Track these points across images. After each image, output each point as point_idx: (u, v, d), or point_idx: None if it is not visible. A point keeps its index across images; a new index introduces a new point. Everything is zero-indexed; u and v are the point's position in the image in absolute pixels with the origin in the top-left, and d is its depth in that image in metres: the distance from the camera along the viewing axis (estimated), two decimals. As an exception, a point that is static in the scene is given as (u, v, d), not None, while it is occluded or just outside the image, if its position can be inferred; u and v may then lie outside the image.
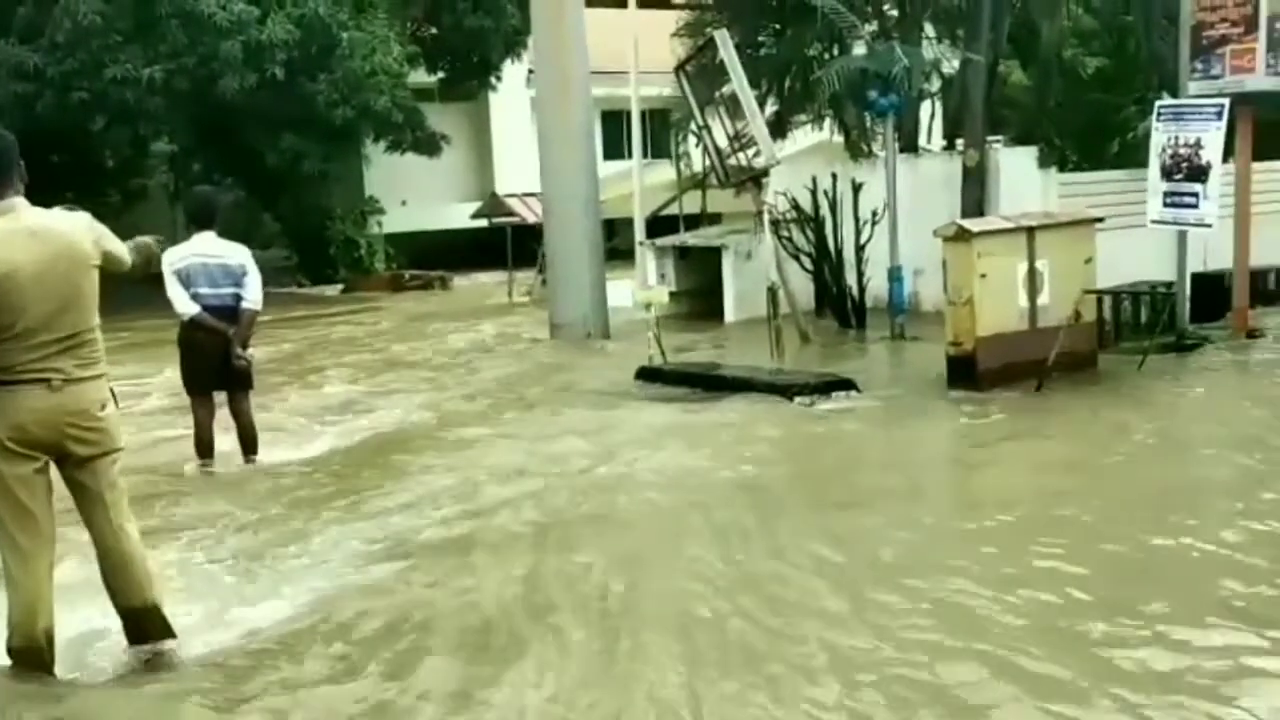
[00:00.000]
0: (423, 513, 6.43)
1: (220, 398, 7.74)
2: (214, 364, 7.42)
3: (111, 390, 4.42)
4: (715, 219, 18.42)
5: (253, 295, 7.45)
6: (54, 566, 4.29)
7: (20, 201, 4.22)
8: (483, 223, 21.51)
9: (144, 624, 4.49)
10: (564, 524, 6.10)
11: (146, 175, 30.22)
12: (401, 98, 22.17)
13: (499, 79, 26.72)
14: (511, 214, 19.60)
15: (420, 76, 26.15)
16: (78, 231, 4.26)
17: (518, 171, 25.03)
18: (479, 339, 14.52)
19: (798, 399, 9.09)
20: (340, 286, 24.22)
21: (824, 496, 6.51)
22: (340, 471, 7.62)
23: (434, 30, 25.55)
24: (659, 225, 17.93)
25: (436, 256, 25.45)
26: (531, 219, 17.75)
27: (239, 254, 7.46)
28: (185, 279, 7.37)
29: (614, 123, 24.47)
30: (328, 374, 12.20)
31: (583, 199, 13.63)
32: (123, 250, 4.52)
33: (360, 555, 5.72)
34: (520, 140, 26.10)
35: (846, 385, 9.43)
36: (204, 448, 7.72)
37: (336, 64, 20.52)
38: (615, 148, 24.96)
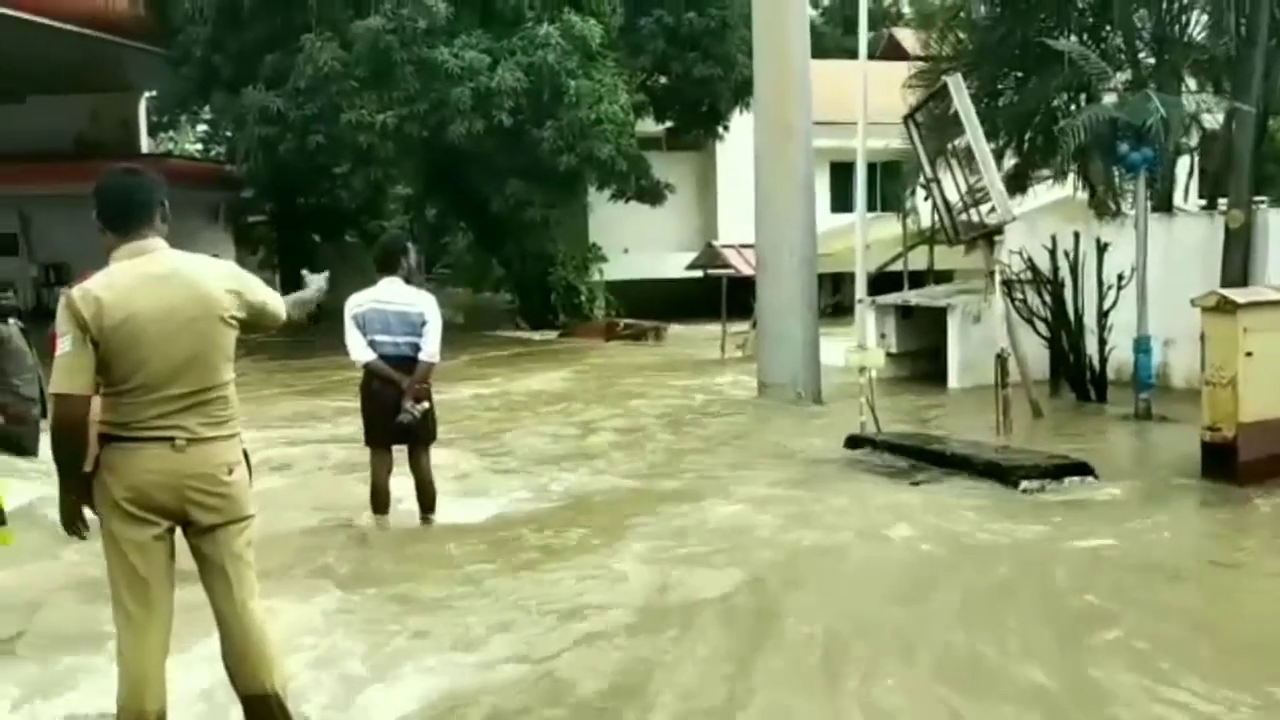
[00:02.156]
0: (605, 589, 5.86)
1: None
2: (390, 415, 7.07)
3: (245, 453, 4.00)
4: (946, 277, 17.38)
5: (429, 347, 7.08)
6: (168, 643, 3.87)
7: (157, 244, 3.85)
8: (700, 273, 21.06)
9: (262, 714, 4.02)
10: (761, 599, 5.40)
11: (385, 217, 31.38)
12: (627, 146, 22.05)
13: (726, 128, 26.41)
14: (727, 265, 19.05)
15: (648, 125, 26.15)
16: (213, 280, 3.85)
17: (741, 222, 24.42)
18: (683, 395, 13.95)
19: (1024, 484, 8.10)
20: (556, 332, 24.21)
21: (1057, 612, 5.51)
22: (519, 536, 7.13)
23: (663, 79, 25.44)
24: (886, 282, 17.06)
25: (657, 305, 25.20)
26: (747, 271, 17.16)
27: (422, 303, 7.12)
28: (362, 325, 7.08)
29: (843, 175, 23.77)
30: (522, 425, 11.88)
31: (798, 253, 12.94)
32: (277, 303, 4.09)
33: (524, 640, 5.17)
34: (745, 191, 25.39)
35: (1081, 470, 8.38)
36: (379, 502, 7.38)
37: (563, 112, 20.56)
38: (844, 200, 24.24)
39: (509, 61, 20.00)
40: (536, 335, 23.92)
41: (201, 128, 43.11)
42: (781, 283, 13.01)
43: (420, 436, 7.28)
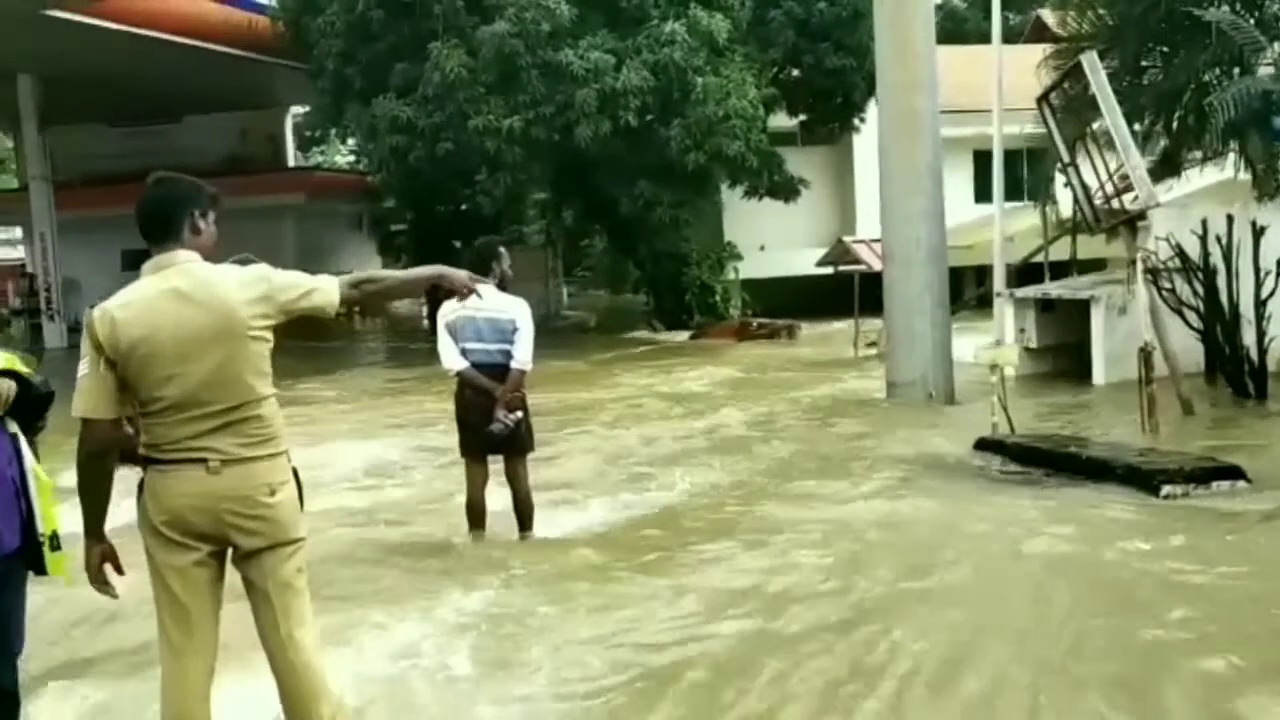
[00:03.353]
0: (713, 614, 5.50)
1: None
2: (484, 424, 6.86)
3: (295, 473, 3.77)
4: (1094, 267, 16.49)
5: (521, 355, 6.82)
6: (212, 672, 3.67)
7: (183, 255, 3.63)
8: (830, 269, 20.50)
9: (312, 750, 3.80)
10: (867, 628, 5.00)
11: (524, 222, 31.57)
12: (757, 142, 21.62)
13: (862, 120, 25.71)
14: (858, 261, 18.46)
15: (781, 120, 25.66)
16: (235, 293, 3.60)
17: (879, 217, 23.92)
18: (811, 396, 13.49)
19: (1165, 489, 7.46)
20: (688, 333, 23.93)
21: (1195, 659, 4.89)
22: (623, 548, 6.85)
23: (795, 72, 24.92)
24: (1032, 274, 16.26)
25: (793, 303, 24.71)
26: (878, 266, 16.58)
27: (514, 309, 6.87)
28: (454, 333, 6.89)
29: (985, 163, 22.84)
30: (642, 429, 11.61)
31: (925, 245, 12.35)
32: (324, 293, 3.75)
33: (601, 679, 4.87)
34: (881, 184, 24.98)
35: (1232, 474, 7.68)
36: (474, 516, 7.18)
37: (690, 109, 20.26)
38: (986, 190, 23.25)
39: (634, 61, 19.78)
40: (669, 336, 23.65)
41: (352, 141, 44.31)
42: (910, 277, 12.45)
43: (516, 447, 7.05)
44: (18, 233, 37.59)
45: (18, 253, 38.80)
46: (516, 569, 6.40)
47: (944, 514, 7.42)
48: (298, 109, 37.63)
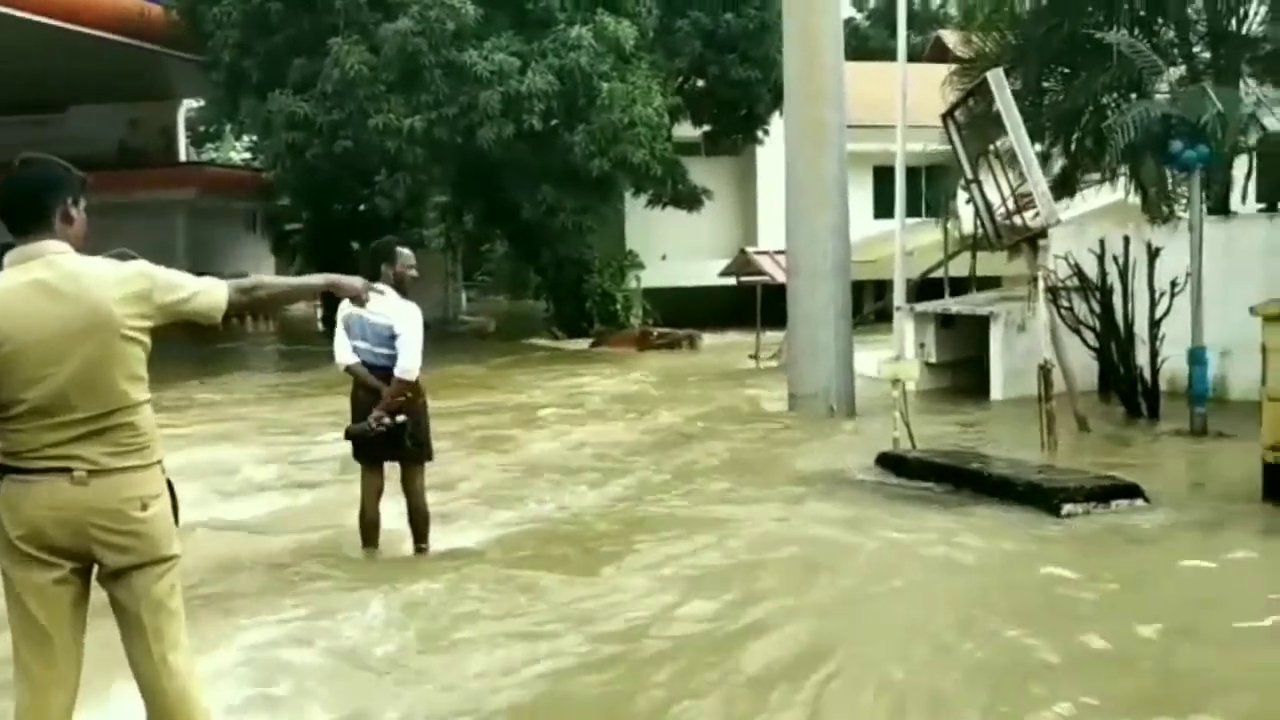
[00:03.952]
0: (591, 630, 5.31)
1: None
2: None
3: (170, 485, 3.47)
4: (992, 284, 16.70)
5: (404, 362, 6.50)
6: (73, 704, 3.34)
7: (53, 246, 3.29)
8: (733, 280, 20.50)
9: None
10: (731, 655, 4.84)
11: (424, 225, 31.04)
12: (662, 150, 21.54)
13: (766, 132, 25.83)
14: (760, 272, 18.46)
15: (686, 130, 25.65)
16: (111, 289, 3.28)
17: (782, 229, 23.98)
18: (710, 407, 13.36)
19: (1066, 508, 7.46)
20: (589, 341, 23.74)
21: (1093, 670, 4.89)
22: (506, 566, 6.61)
23: (701, 82, 24.92)
24: (931, 290, 16.39)
25: (694, 313, 24.67)
26: (781, 278, 16.60)
27: (400, 314, 6.55)
28: (347, 329, 6.61)
29: (887, 179, 23.08)
30: (540, 440, 11.37)
31: (831, 258, 12.33)
32: (209, 296, 3.45)
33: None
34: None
35: (1131, 492, 7.73)
36: (365, 529, 6.86)
37: (595, 115, 20.09)
38: (887, 205, 23.51)
39: (540, 64, 19.57)
40: (569, 344, 23.43)
41: (248, 137, 43.21)
42: (814, 290, 12.41)
43: (409, 455, 6.77)
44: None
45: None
46: (397, 584, 6.13)
47: (842, 530, 7.34)
48: (192, 102, 36.59)
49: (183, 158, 37.78)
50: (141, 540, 3.35)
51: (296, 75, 20.17)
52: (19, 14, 23.13)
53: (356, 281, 3.81)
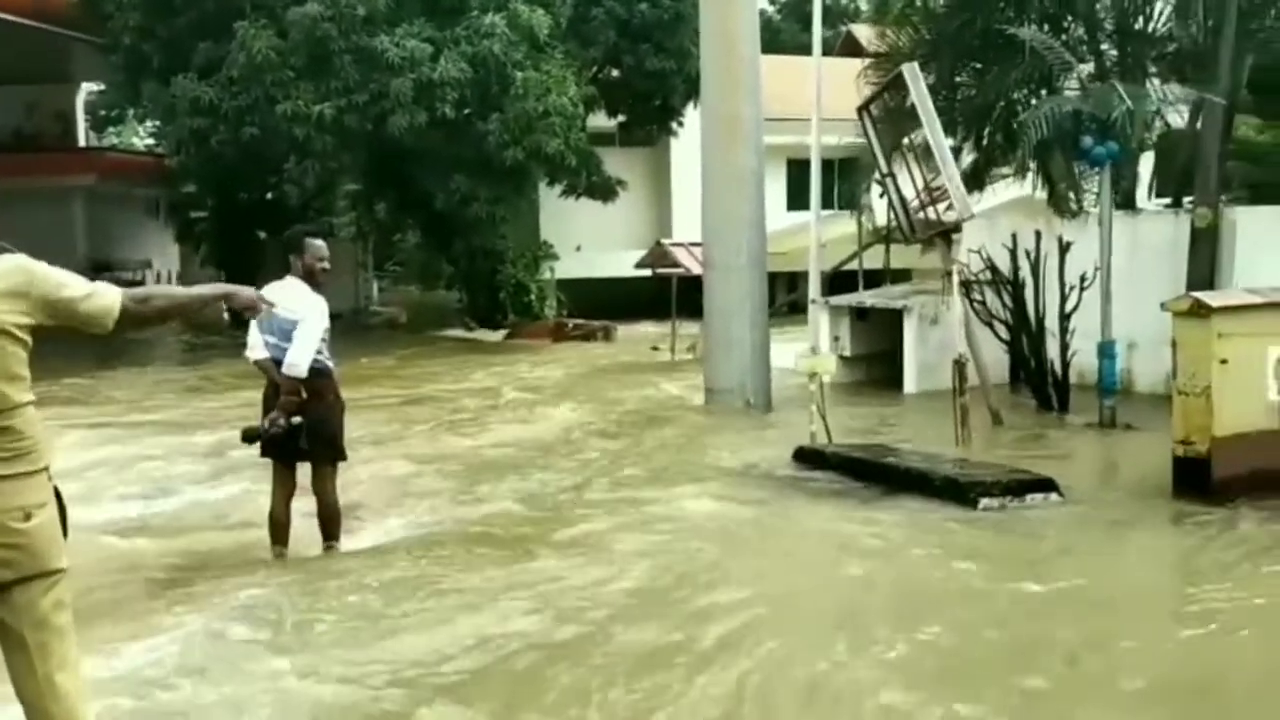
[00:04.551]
0: (508, 625, 5.16)
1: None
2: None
3: (58, 491, 3.25)
4: (904, 276, 16.80)
5: (291, 356, 6.24)
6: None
7: None
8: (649, 272, 20.38)
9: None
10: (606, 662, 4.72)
11: (334, 214, 30.45)
12: (577, 140, 21.35)
13: (680, 124, 25.75)
14: (676, 264, 18.37)
15: (600, 120, 25.48)
16: None
17: (696, 220, 23.90)
18: (624, 400, 13.26)
19: (983, 502, 7.49)
20: (504, 332, 23.50)
21: (999, 667, 4.87)
22: (417, 562, 6.43)
23: (615, 72, 24.76)
24: (845, 282, 16.43)
25: (611, 304, 24.54)
26: (696, 270, 16.55)
27: (303, 307, 6.30)
28: (259, 325, 6.36)
29: (800, 172, 23.14)
30: (454, 433, 11.17)
31: (746, 251, 12.27)
32: (101, 299, 3.22)
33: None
34: (700, 188, 25.06)
35: (1045, 486, 7.78)
36: (274, 528, 6.65)
37: (509, 104, 19.83)
38: (801, 198, 23.57)
39: (453, 52, 19.24)
40: (482, 335, 23.15)
41: (151, 122, 42.00)
42: (729, 283, 12.35)
43: (317, 455, 6.55)
44: None
45: None
46: (306, 583, 5.93)
47: (757, 525, 7.29)
48: (92, 86, 35.49)
49: (82, 143, 36.65)
50: (23, 553, 3.15)
51: (201, 59, 19.59)
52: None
53: (249, 292, 3.63)
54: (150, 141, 44.21)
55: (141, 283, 35.85)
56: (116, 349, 18.73)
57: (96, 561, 6.19)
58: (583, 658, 4.88)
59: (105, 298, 3.24)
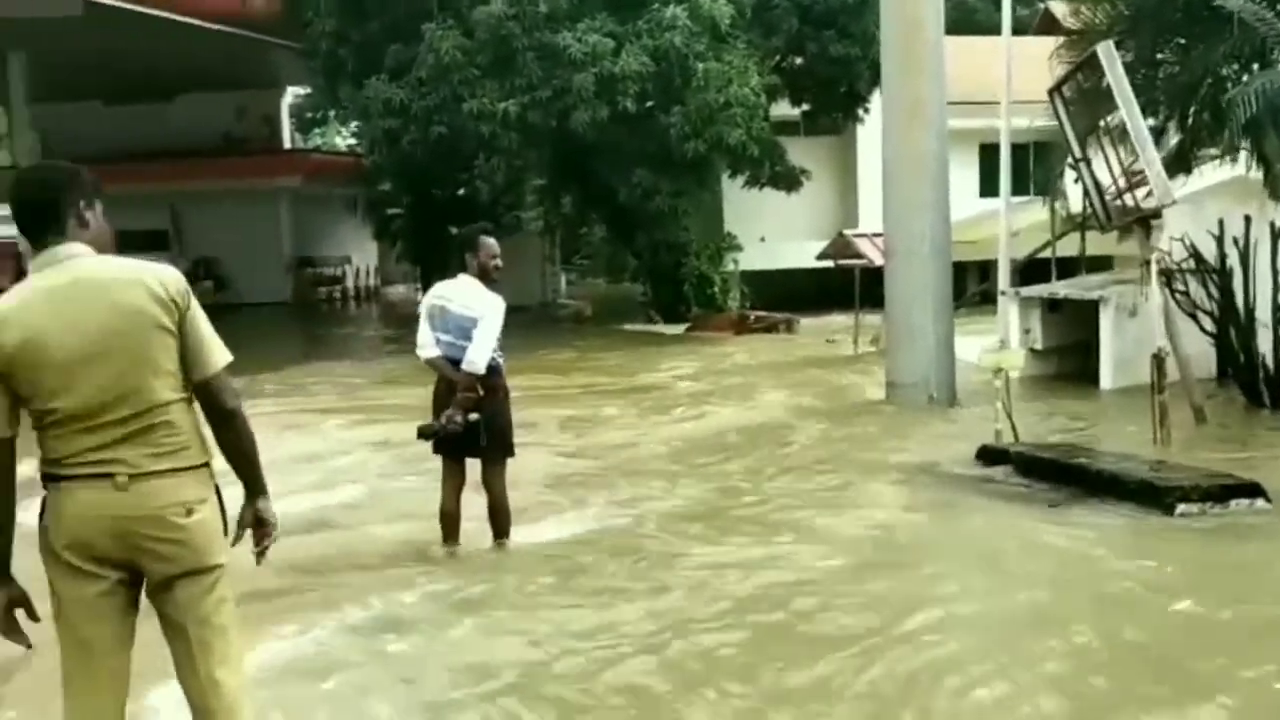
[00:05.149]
0: (695, 621, 5.11)
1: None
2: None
3: (217, 489, 3.31)
4: (1102, 265, 16.00)
5: (471, 354, 6.31)
6: (123, 716, 3.23)
7: (72, 250, 3.16)
8: (830, 263, 20.01)
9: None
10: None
11: (522, 209, 31.05)
12: (759, 130, 21.13)
13: (866, 110, 25.16)
14: (859, 255, 17.94)
15: (784, 109, 25.16)
16: (138, 285, 3.14)
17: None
18: (804, 394, 13.01)
19: (1180, 508, 7.01)
20: (686, 325, 23.46)
21: (1179, 687, 4.52)
22: (581, 567, 6.41)
23: (799, 60, 24.39)
24: (1037, 271, 15.77)
25: (795, 296, 24.21)
26: (879, 261, 16.15)
27: (481, 305, 6.38)
28: (432, 322, 6.47)
29: (992, 157, 22.39)
30: (635, 428, 11.16)
31: (930, 240, 11.86)
32: (210, 347, 3.22)
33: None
34: (884, 175, 24.52)
35: (1251, 491, 7.23)
36: (445, 525, 6.73)
37: (690, 96, 19.76)
38: (993, 184, 22.84)
39: (634, 45, 19.28)
40: (666, 328, 23.18)
41: (355, 123, 43.66)
42: (912, 273, 11.97)
43: (488, 451, 6.60)
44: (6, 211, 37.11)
45: (12, 230, 38.36)
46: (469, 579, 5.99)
47: (936, 525, 7.03)
48: (297, 89, 37.15)
49: (287, 145, 38.42)
50: (185, 548, 3.20)
51: (392, 61, 20.21)
52: (130, 7, 23.63)
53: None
54: (352, 142, 46.03)
55: (342, 279, 37.39)
56: (311, 341, 19.45)
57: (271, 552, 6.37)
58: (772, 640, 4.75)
59: (214, 352, 3.23)
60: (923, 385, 11.77)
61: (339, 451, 10.13)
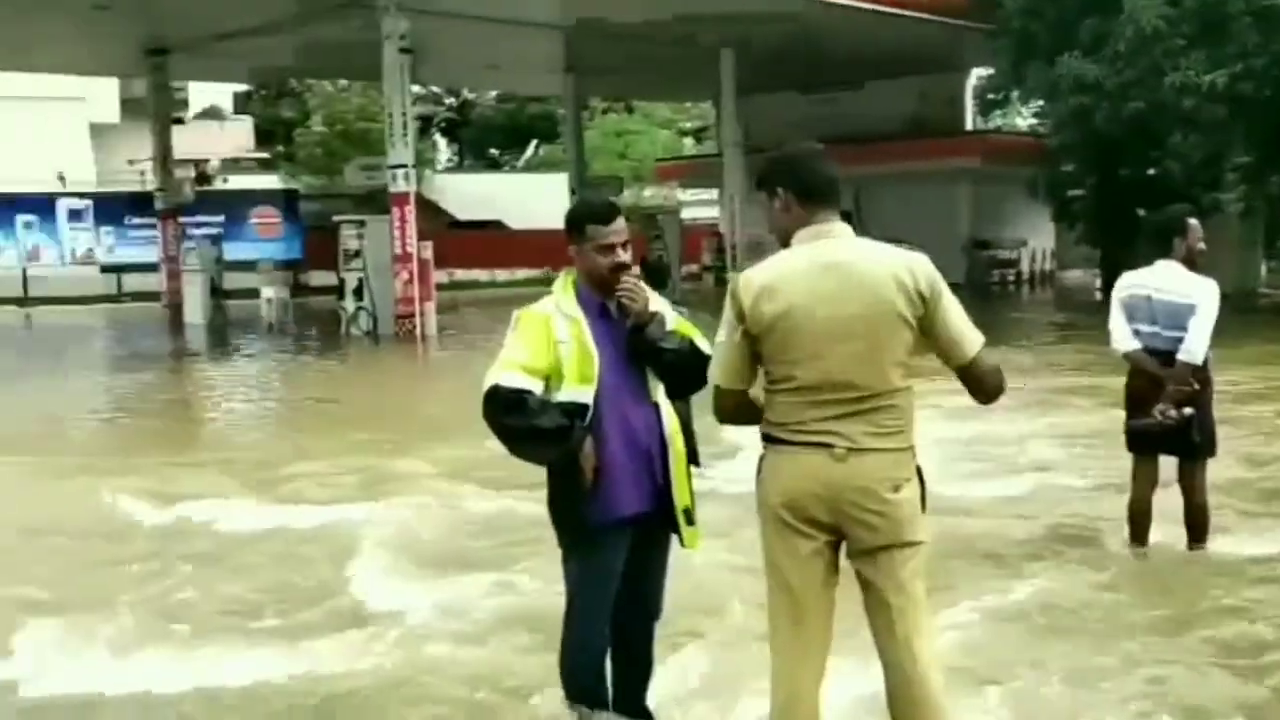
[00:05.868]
0: None
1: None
2: (1145, 417, 6.04)
3: (919, 471, 3.44)
4: None
5: (1189, 343, 5.86)
6: (824, 666, 3.43)
7: (839, 229, 3.41)
8: None
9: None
10: None
11: (1220, 189, 28.48)
12: None
13: None
14: None
15: None
16: (888, 273, 3.31)
17: None
18: None
19: None
20: None
21: None
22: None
23: None
24: None
25: None
26: None
27: (1198, 291, 5.91)
28: (1128, 311, 6.13)
29: None
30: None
31: None
32: (961, 335, 3.38)
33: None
34: None
35: None
36: (1134, 525, 6.35)
37: None
38: None
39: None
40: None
41: (1034, 103, 42.63)
42: None
43: (1186, 449, 6.14)
44: (714, 195, 40.86)
45: (714, 212, 42.23)
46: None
47: None
48: (979, 71, 37.03)
49: (968, 127, 38.46)
50: (888, 521, 3.36)
51: (1086, 36, 19.43)
52: (846, 1, 24.95)
53: None
54: (1033, 122, 44.91)
55: (1017, 262, 36.80)
56: (985, 326, 19.16)
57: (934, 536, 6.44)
58: None
59: (970, 339, 3.39)
60: None
61: (1010, 441, 9.91)
